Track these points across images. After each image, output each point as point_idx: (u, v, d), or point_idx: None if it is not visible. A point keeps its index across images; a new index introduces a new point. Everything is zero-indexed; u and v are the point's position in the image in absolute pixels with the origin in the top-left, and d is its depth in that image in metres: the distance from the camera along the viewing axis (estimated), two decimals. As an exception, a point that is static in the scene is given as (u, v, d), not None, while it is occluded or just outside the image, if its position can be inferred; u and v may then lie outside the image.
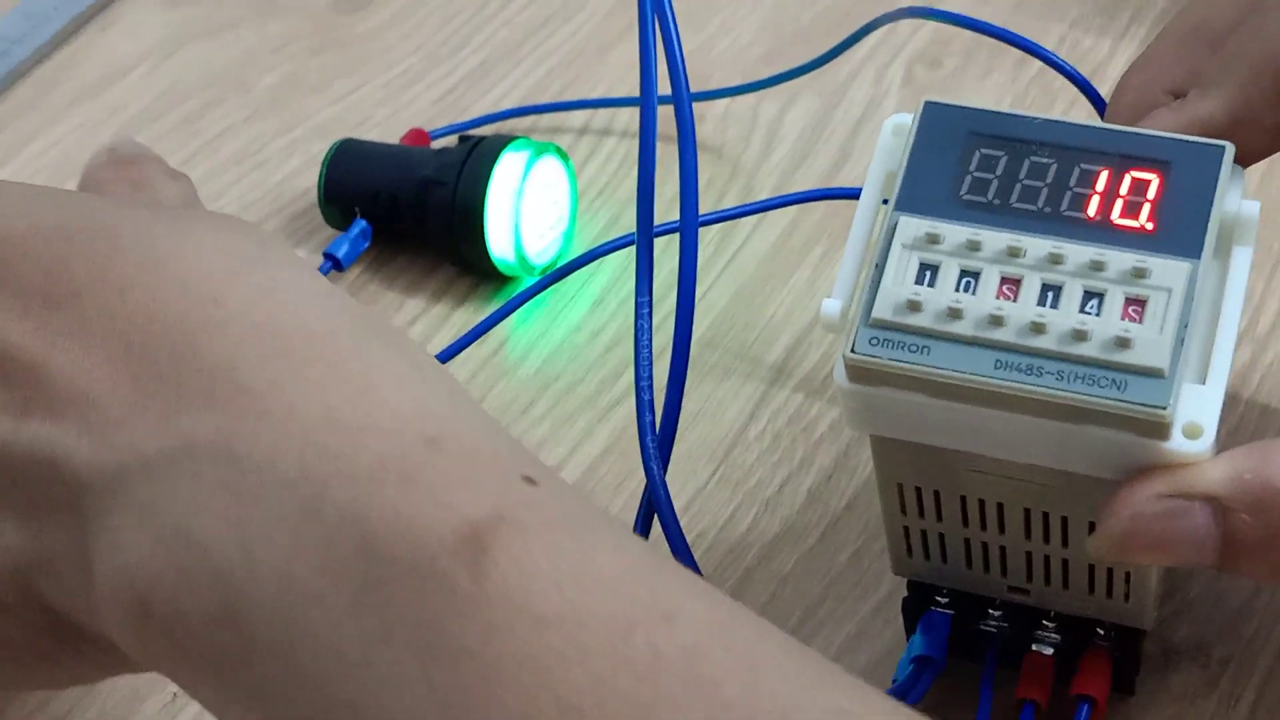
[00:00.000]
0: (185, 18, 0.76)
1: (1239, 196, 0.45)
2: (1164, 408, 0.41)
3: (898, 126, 0.47)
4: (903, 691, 0.49)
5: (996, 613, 0.49)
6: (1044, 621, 0.49)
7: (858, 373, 0.43)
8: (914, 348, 0.43)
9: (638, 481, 0.58)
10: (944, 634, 0.49)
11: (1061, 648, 0.49)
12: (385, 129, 0.70)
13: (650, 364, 0.47)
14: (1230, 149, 0.44)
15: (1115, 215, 0.44)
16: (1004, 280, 0.43)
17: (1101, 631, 0.48)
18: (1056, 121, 0.45)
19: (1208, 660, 0.52)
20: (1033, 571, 0.47)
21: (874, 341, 0.43)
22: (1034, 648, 0.49)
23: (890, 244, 0.44)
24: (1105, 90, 0.55)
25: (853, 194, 0.58)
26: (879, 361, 0.43)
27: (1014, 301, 0.43)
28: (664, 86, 0.47)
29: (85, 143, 0.72)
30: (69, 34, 0.76)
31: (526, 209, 0.62)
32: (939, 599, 0.49)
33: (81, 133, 0.72)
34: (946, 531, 0.47)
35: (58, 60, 0.75)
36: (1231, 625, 0.52)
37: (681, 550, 0.46)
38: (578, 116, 0.70)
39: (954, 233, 0.44)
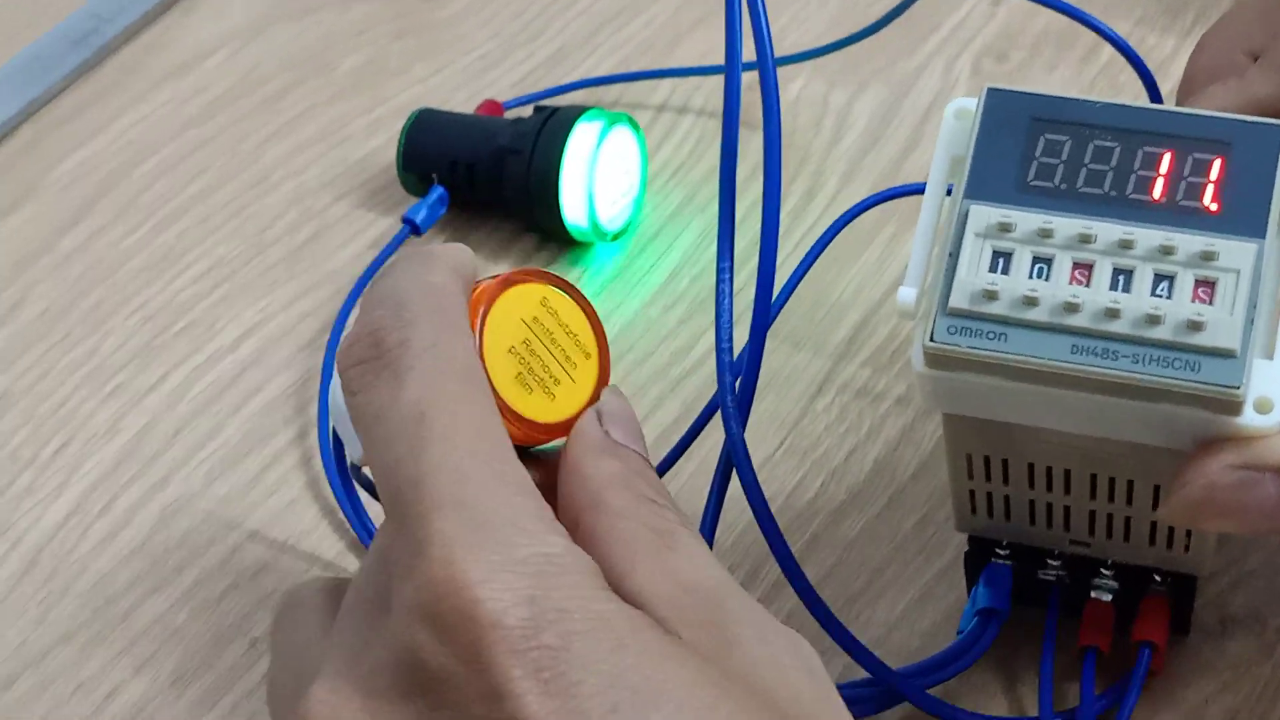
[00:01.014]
0: (269, 1, 0.78)
1: None
2: (1237, 387, 0.42)
3: (960, 110, 0.48)
4: (969, 643, 0.50)
5: (1055, 562, 0.51)
6: (1102, 570, 0.50)
7: (936, 360, 0.44)
8: (991, 335, 0.44)
9: (708, 449, 0.59)
10: (1006, 586, 0.51)
11: (1120, 594, 0.50)
12: (464, 111, 0.72)
13: (730, 326, 0.48)
14: None
15: (1180, 197, 0.44)
16: (1076, 266, 0.44)
17: (1158, 578, 0.50)
18: (1116, 105, 0.46)
19: (1263, 629, 0.53)
20: (1095, 527, 0.49)
21: (952, 330, 0.44)
22: (1093, 595, 0.51)
23: (963, 233, 0.45)
24: (1168, 88, 0.57)
25: (914, 190, 0.60)
26: (958, 349, 0.44)
27: (1087, 287, 0.43)
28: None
29: (170, 120, 0.74)
30: (156, 15, 0.78)
31: (600, 177, 0.64)
32: (999, 551, 0.51)
33: (167, 110, 0.74)
34: (1012, 494, 0.49)
35: (144, 40, 0.77)
36: (1288, 595, 0.54)
37: (759, 505, 0.48)
38: (653, 97, 0.72)
39: (1025, 220, 0.44)
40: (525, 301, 0.42)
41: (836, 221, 0.61)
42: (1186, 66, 0.52)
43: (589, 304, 0.43)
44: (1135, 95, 0.70)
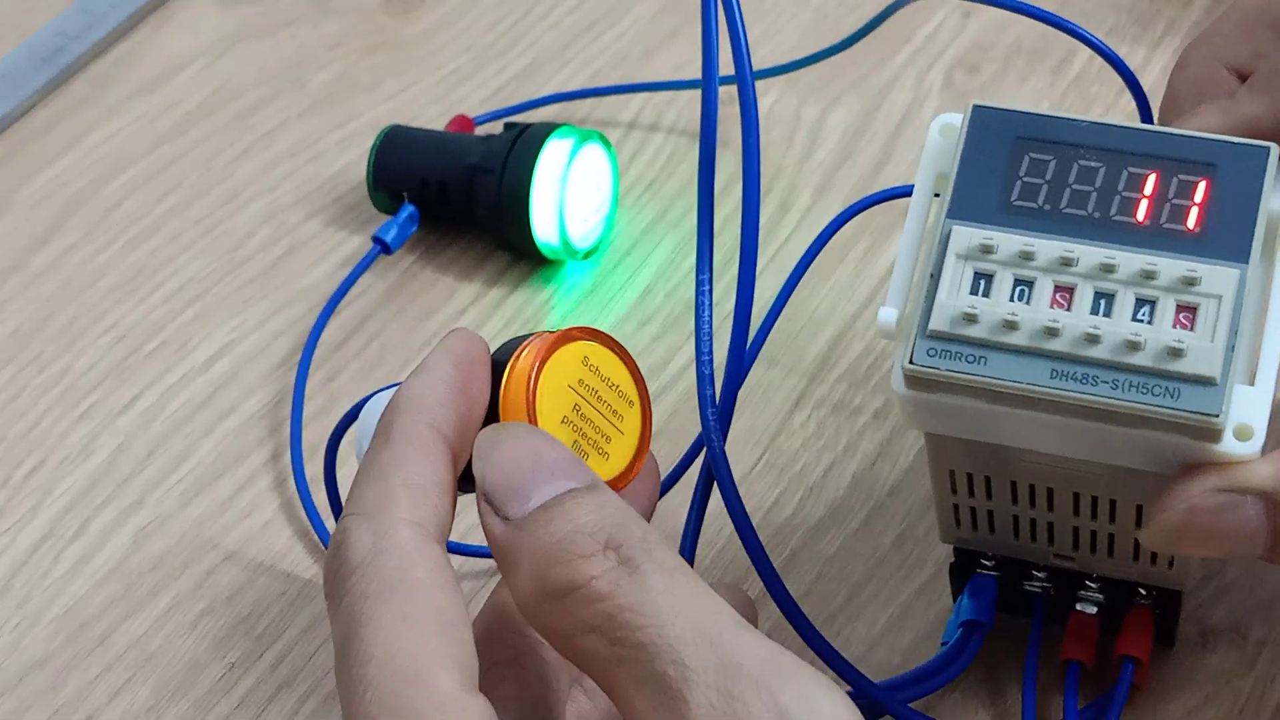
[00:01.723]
0: (240, 17, 0.78)
1: None
2: (1216, 415, 0.42)
3: (945, 126, 0.47)
4: (953, 655, 0.50)
5: (1041, 574, 0.51)
6: (1087, 582, 0.50)
7: (916, 381, 0.44)
8: (971, 358, 0.43)
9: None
10: (991, 597, 0.51)
11: (1105, 606, 0.50)
12: (436, 126, 0.71)
13: (710, 339, 0.48)
14: (1275, 150, 0.44)
15: (1164, 220, 0.44)
16: (1057, 289, 0.43)
17: (1143, 591, 0.50)
18: (1102, 124, 0.45)
19: (1244, 641, 0.53)
20: (1079, 542, 0.49)
21: (932, 353, 0.44)
22: (1078, 607, 0.51)
23: (945, 254, 0.44)
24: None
25: (898, 193, 0.59)
26: (937, 372, 0.43)
27: (1068, 311, 0.43)
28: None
29: (141, 136, 0.73)
30: (125, 31, 0.78)
31: (571, 194, 0.64)
32: (985, 562, 0.51)
33: (138, 126, 0.74)
34: (995, 508, 0.49)
35: (114, 56, 0.77)
36: (1268, 608, 0.53)
37: (740, 517, 0.47)
38: (624, 113, 0.72)
39: (1007, 242, 0.44)
40: (568, 367, 0.43)
41: (823, 232, 0.59)
42: (1170, 82, 0.51)
43: (622, 348, 0.45)
44: (1108, 107, 0.70)
